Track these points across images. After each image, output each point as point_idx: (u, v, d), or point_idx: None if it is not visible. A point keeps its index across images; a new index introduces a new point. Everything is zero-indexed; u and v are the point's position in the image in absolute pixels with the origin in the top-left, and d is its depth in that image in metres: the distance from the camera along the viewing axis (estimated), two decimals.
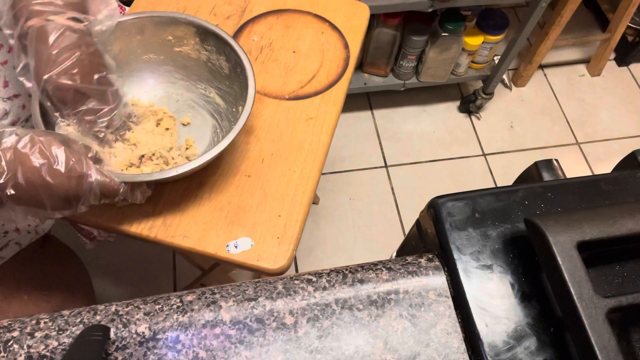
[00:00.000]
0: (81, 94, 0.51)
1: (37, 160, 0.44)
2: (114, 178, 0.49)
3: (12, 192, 0.43)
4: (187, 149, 0.63)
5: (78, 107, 0.51)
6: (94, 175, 0.47)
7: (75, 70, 0.49)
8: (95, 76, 0.51)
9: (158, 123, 0.64)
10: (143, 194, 0.54)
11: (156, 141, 0.62)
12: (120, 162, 0.58)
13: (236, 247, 0.57)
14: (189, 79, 0.66)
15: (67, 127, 0.52)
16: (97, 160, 0.51)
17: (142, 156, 0.60)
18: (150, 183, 0.55)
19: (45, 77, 0.49)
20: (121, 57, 0.61)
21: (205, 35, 0.61)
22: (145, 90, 0.66)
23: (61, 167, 0.45)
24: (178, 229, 0.58)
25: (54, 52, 0.48)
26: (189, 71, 0.66)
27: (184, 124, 0.66)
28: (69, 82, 0.49)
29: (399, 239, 1.39)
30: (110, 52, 0.54)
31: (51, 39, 0.48)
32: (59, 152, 0.45)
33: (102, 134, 0.54)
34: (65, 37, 0.49)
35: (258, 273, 0.58)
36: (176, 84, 0.67)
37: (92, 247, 0.86)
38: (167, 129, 0.64)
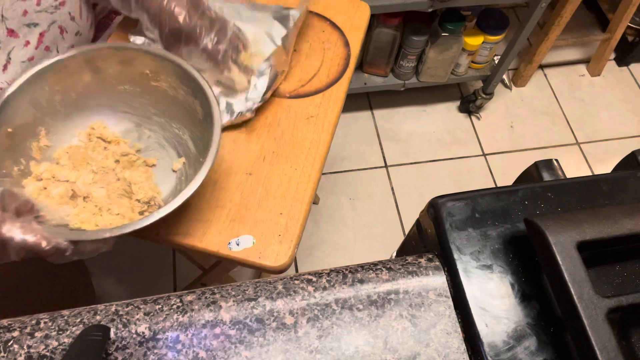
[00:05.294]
0: (195, 30, 0.59)
1: None
2: (50, 238, 0.43)
3: None
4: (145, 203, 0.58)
5: (197, 43, 0.59)
6: (18, 237, 0.42)
7: (184, 12, 0.58)
8: (202, 9, 0.59)
9: (117, 160, 0.60)
10: (94, 250, 0.48)
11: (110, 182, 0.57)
12: (58, 199, 0.54)
13: (238, 244, 0.58)
14: (164, 115, 0.62)
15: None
16: (28, 209, 0.45)
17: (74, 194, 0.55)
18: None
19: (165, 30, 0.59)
20: (93, 86, 0.59)
21: (182, 75, 0.57)
22: (116, 121, 0.62)
23: None
24: (180, 227, 0.58)
25: (162, 3, 0.58)
26: (164, 108, 0.62)
27: (148, 165, 0.61)
28: (187, 20, 0.58)
29: (399, 239, 1.39)
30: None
31: None
32: None
33: (230, 60, 0.61)
34: None
35: (259, 271, 0.58)
36: (151, 119, 0.63)
37: None
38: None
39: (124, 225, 0.47)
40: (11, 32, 0.54)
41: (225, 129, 0.65)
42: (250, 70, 0.64)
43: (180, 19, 0.58)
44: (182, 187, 0.54)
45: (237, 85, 0.63)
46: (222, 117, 0.60)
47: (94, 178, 0.57)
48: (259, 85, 0.65)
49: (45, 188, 0.55)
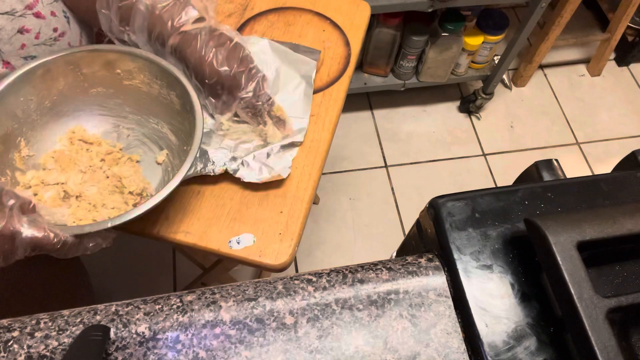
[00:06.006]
0: (236, 79, 0.57)
1: None
2: (56, 232, 0.45)
3: None
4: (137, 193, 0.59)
5: (237, 92, 0.57)
6: (26, 231, 0.43)
7: (222, 58, 0.56)
8: (240, 57, 0.57)
9: (103, 159, 0.61)
10: (95, 246, 0.49)
11: (99, 180, 0.59)
12: (51, 202, 0.55)
13: (238, 243, 0.58)
14: (140, 112, 0.62)
15: (225, 121, 0.60)
16: (30, 208, 0.46)
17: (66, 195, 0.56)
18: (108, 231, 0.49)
19: (208, 81, 0.57)
20: (66, 91, 0.59)
21: (156, 70, 0.58)
22: (94, 125, 0.62)
23: None
24: (180, 225, 0.58)
25: (201, 53, 0.56)
26: (140, 105, 0.62)
27: (133, 161, 0.62)
28: (227, 68, 0.56)
29: (399, 239, 1.39)
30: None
31: (193, 43, 0.55)
32: None
33: (265, 112, 0.59)
34: (201, 38, 0.56)
35: (260, 269, 0.58)
36: (127, 118, 0.63)
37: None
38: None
39: (126, 212, 0.48)
40: (7, 64, 0.54)
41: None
42: (282, 123, 0.62)
43: (222, 70, 0.56)
44: (169, 177, 0.55)
45: (269, 139, 0.61)
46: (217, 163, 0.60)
47: (83, 177, 0.58)
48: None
49: (36, 194, 0.55)
